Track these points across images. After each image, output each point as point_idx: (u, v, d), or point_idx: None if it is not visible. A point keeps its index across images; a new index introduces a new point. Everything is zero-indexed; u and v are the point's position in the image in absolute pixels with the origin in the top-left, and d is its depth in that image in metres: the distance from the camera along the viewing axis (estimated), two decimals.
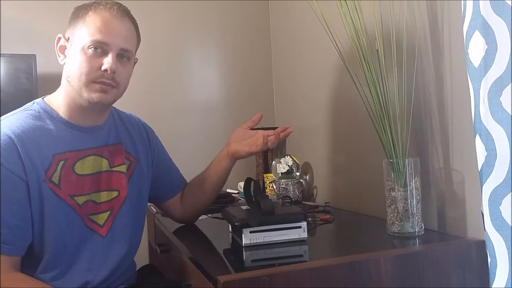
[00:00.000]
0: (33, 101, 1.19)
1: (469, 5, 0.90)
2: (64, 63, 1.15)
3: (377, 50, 1.19)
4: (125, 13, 1.15)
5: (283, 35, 2.19)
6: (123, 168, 1.22)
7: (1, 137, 1.07)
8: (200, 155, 2.10)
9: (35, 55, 1.79)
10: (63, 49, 1.16)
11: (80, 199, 1.14)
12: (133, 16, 1.19)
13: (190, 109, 2.18)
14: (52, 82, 1.92)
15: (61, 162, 1.12)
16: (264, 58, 2.31)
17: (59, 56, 1.16)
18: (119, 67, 1.12)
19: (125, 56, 1.14)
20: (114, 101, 1.18)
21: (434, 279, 1.02)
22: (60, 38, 1.16)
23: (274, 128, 2.13)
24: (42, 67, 1.83)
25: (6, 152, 1.06)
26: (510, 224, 0.86)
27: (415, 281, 1.01)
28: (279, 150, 2.20)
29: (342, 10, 1.19)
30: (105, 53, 1.10)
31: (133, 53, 1.18)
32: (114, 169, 1.21)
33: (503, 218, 0.87)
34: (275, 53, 2.29)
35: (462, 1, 0.93)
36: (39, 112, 1.15)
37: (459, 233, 1.15)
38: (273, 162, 1.88)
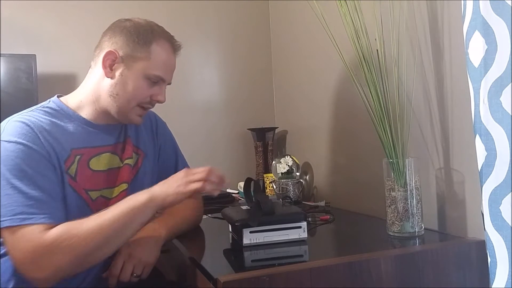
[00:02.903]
0: (48, 100, 1.20)
1: (469, 5, 0.90)
2: (110, 78, 1.16)
3: (377, 50, 1.19)
4: (179, 47, 1.23)
5: (283, 35, 2.19)
6: (130, 161, 1.24)
7: (23, 128, 1.08)
8: (200, 155, 2.11)
9: (35, 55, 1.79)
10: (112, 63, 1.15)
11: (94, 194, 1.16)
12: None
13: (190, 109, 2.18)
14: (52, 82, 1.94)
15: (78, 157, 1.14)
16: (264, 58, 2.31)
17: (105, 68, 1.15)
18: None
19: None
20: None
21: (434, 279, 1.02)
22: (112, 53, 1.15)
23: (274, 128, 2.15)
24: (42, 67, 1.83)
25: (31, 139, 1.07)
26: (510, 224, 0.86)
27: (415, 281, 1.01)
28: (279, 150, 2.20)
29: (342, 10, 1.19)
30: (158, 84, 1.19)
31: None
32: (124, 162, 1.22)
33: (503, 218, 0.87)
34: (275, 53, 2.29)
35: (462, 1, 0.93)
36: (55, 110, 1.17)
37: (459, 233, 1.15)
38: (273, 162, 1.88)
